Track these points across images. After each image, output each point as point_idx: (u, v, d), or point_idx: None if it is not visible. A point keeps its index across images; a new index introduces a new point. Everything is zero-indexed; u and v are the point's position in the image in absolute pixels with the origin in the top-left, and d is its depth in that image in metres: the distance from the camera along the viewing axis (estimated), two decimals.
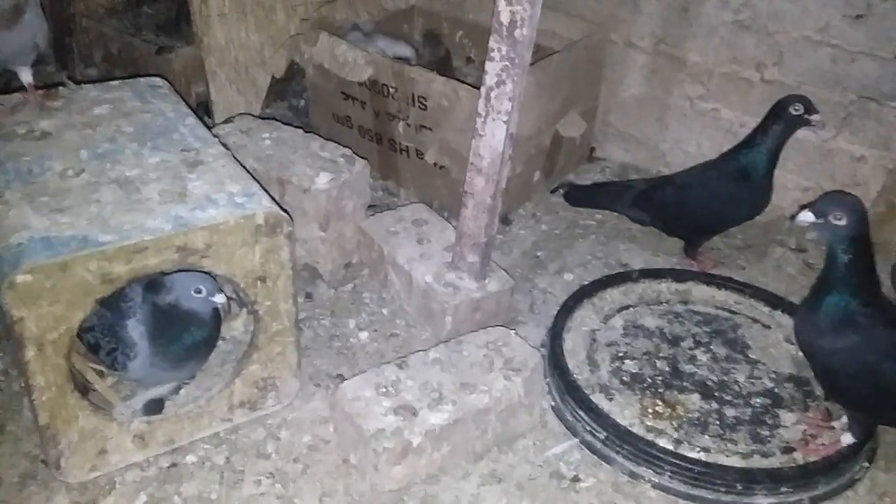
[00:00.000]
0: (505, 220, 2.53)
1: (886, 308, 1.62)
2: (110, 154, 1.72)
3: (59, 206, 1.53)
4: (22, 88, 1.90)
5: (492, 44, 1.75)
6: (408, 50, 2.80)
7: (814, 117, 2.09)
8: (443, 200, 2.55)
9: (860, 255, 1.54)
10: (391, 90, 2.48)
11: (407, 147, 2.57)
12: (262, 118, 2.49)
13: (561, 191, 2.65)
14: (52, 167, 1.66)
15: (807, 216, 1.56)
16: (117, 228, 1.49)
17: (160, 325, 1.66)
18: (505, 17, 1.70)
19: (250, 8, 2.71)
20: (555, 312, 2.10)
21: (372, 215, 2.32)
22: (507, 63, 1.75)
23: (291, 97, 3.07)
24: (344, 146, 2.29)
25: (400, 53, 2.75)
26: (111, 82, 2.03)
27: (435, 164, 2.51)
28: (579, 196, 2.60)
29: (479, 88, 1.83)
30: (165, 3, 3.23)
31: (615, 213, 2.56)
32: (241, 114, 2.52)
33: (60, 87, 1.97)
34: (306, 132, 2.35)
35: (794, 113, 2.10)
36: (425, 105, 2.42)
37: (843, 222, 1.52)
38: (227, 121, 2.42)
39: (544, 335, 2.09)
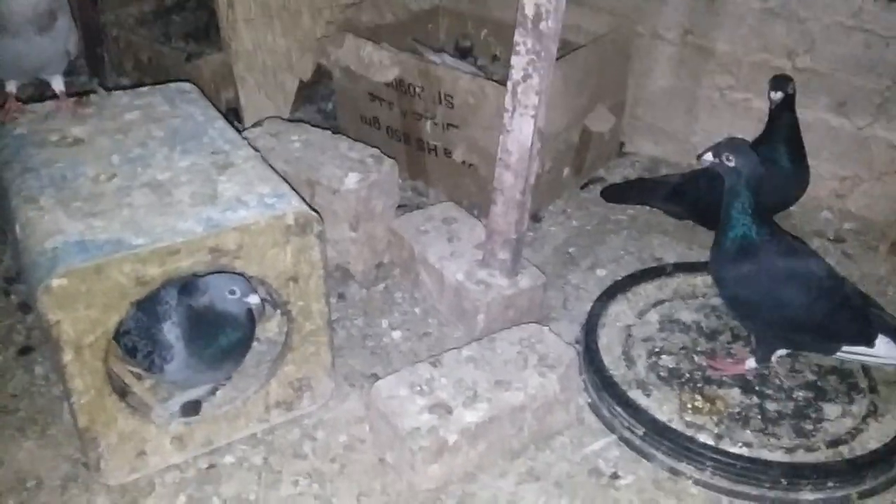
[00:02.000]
0: (535, 218, 2.51)
1: (783, 241, 1.77)
2: (141, 158, 1.73)
3: (93, 211, 1.55)
4: (54, 97, 1.92)
5: (517, 37, 1.74)
6: (468, 67, 2.78)
7: (771, 94, 2.17)
8: (472, 198, 2.54)
9: (751, 193, 1.70)
10: (418, 89, 2.47)
11: (435, 146, 2.56)
12: (291, 121, 2.50)
13: (591, 186, 2.63)
14: (84, 172, 1.68)
15: (707, 156, 1.74)
16: (150, 231, 1.50)
17: (196, 327, 1.67)
18: (530, 10, 1.69)
19: (276, 12, 2.72)
20: (588, 308, 2.08)
21: (402, 215, 2.32)
22: (534, 56, 1.73)
23: (319, 100, 3.08)
24: (372, 147, 2.29)
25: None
26: (141, 89, 2.05)
27: (463, 162, 2.50)
28: (615, 192, 2.58)
29: (505, 85, 1.82)
30: (194, 11, 3.27)
31: (647, 209, 2.54)
32: (269, 117, 2.53)
33: (92, 95, 2.00)
34: (334, 134, 2.35)
35: (769, 95, 2.16)
36: (452, 103, 2.41)
37: (732, 163, 1.70)
38: (257, 124, 2.43)
39: (578, 331, 2.07)
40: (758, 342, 1.86)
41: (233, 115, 2.82)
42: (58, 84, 1.90)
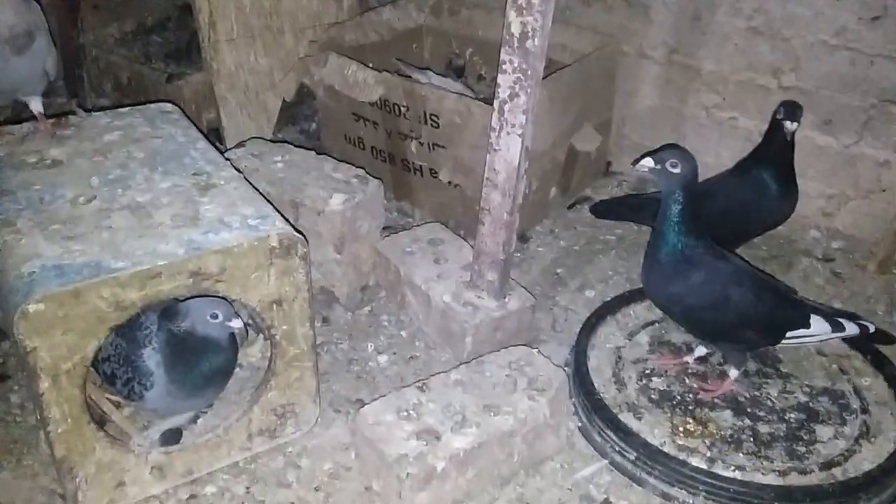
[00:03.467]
0: (522, 238, 2.49)
1: (713, 246, 1.77)
2: (122, 180, 1.69)
3: (71, 234, 1.50)
4: (32, 118, 1.88)
5: (503, 56, 1.72)
6: (458, 85, 2.76)
7: (786, 123, 2.05)
8: (458, 219, 2.51)
9: (690, 201, 1.69)
10: (403, 109, 2.45)
11: (420, 166, 2.54)
12: (274, 142, 2.46)
13: (578, 206, 2.61)
14: (63, 195, 1.63)
15: (648, 162, 1.69)
16: (130, 254, 1.45)
17: (176, 353, 1.62)
18: (516, 28, 1.67)
19: (258, 32, 2.70)
20: (577, 330, 2.05)
21: (387, 236, 2.29)
22: (520, 75, 1.71)
23: (302, 121, 3.05)
24: (357, 167, 2.26)
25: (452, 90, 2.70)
26: (121, 109, 2.01)
27: (449, 182, 2.48)
28: (604, 209, 2.56)
29: (491, 104, 1.81)
30: (175, 31, 3.24)
31: (635, 228, 2.52)
32: (252, 138, 2.50)
33: (71, 116, 1.96)
34: (319, 154, 2.33)
35: (777, 118, 2.08)
36: (438, 123, 2.39)
37: (677, 170, 1.67)
38: (239, 145, 2.39)
39: (568, 354, 2.04)
40: (726, 351, 1.87)
41: (214, 136, 2.78)
42: (36, 105, 1.86)
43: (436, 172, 2.50)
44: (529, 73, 1.71)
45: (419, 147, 2.50)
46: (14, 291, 1.39)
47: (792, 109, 2.06)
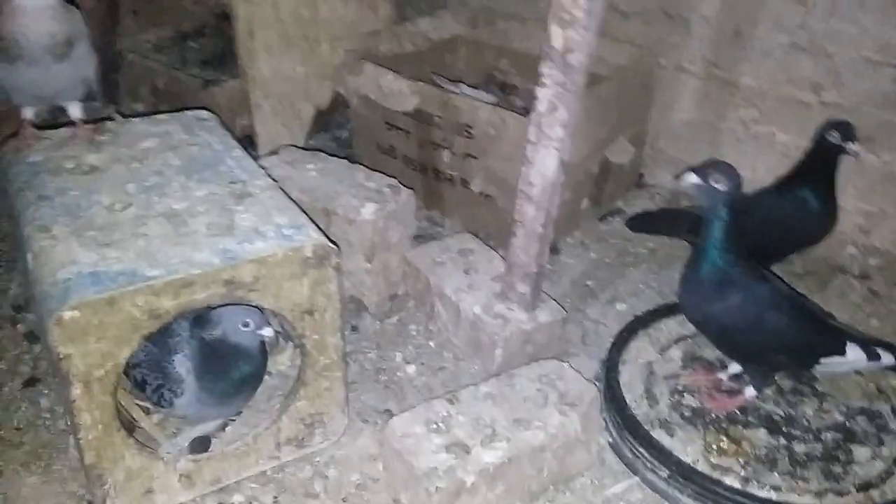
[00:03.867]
0: (553, 249, 2.47)
1: (752, 264, 1.73)
2: (158, 187, 1.70)
3: (107, 241, 1.51)
4: (70, 123, 1.90)
5: (543, 69, 1.70)
6: (490, 97, 2.75)
7: (849, 145, 2.00)
8: (489, 230, 2.50)
9: (733, 219, 1.65)
10: (437, 119, 2.45)
11: (452, 176, 2.53)
12: (307, 150, 2.47)
13: (610, 218, 2.58)
14: (99, 201, 1.64)
15: (691, 177, 1.66)
16: (165, 262, 1.46)
17: (207, 361, 1.62)
18: (557, 42, 1.66)
19: (295, 41, 2.72)
20: (607, 343, 2.03)
21: (417, 246, 2.28)
22: (560, 89, 1.70)
23: (335, 128, 3.06)
24: (389, 176, 2.26)
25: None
26: (158, 116, 2.03)
27: (481, 193, 2.47)
28: (640, 222, 2.53)
29: (525, 115, 1.79)
30: (211, 38, 3.26)
31: (668, 241, 2.49)
32: (285, 145, 2.51)
33: (108, 122, 1.97)
34: (351, 163, 2.33)
35: (831, 140, 2.02)
36: (471, 133, 2.38)
37: (721, 186, 1.63)
38: (272, 153, 2.40)
39: (598, 368, 2.02)
40: (750, 371, 1.83)
41: (247, 143, 2.79)
42: (75, 111, 1.88)
43: (467, 183, 2.49)
44: (570, 87, 1.69)
45: (451, 157, 2.49)
46: (48, 297, 1.40)
47: (848, 130, 2.01)
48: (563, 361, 1.84)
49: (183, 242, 1.53)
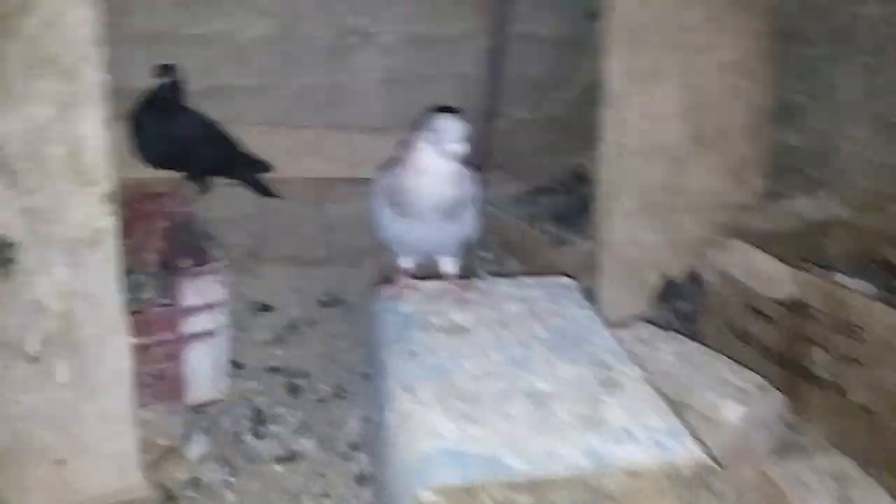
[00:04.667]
0: None
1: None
2: (523, 361, 1.62)
3: (471, 415, 1.44)
4: (439, 277, 1.92)
5: None
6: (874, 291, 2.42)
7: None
8: (863, 449, 2.09)
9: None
10: (815, 312, 2.15)
11: (824, 380, 2.18)
12: (659, 327, 2.29)
13: None
14: (464, 366, 1.60)
15: None
16: (528, 453, 1.34)
17: None
18: None
19: (656, 209, 2.61)
20: None
21: (777, 458, 1.95)
22: None
23: (679, 300, 2.86)
24: (755, 373, 1.99)
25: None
26: (523, 279, 1.99)
27: (860, 405, 2.09)
28: None
29: None
30: (564, 196, 3.27)
31: None
32: (633, 316, 2.35)
33: (476, 280, 1.97)
34: (703, 345, 2.10)
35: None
36: (860, 336, 2.05)
37: None
38: (622, 325, 2.25)
39: None
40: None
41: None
42: (448, 266, 1.90)
43: (844, 391, 2.13)
44: None
45: (828, 358, 2.16)
46: (408, 469, 1.33)
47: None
48: None
49: (547, 431, 1.40)
